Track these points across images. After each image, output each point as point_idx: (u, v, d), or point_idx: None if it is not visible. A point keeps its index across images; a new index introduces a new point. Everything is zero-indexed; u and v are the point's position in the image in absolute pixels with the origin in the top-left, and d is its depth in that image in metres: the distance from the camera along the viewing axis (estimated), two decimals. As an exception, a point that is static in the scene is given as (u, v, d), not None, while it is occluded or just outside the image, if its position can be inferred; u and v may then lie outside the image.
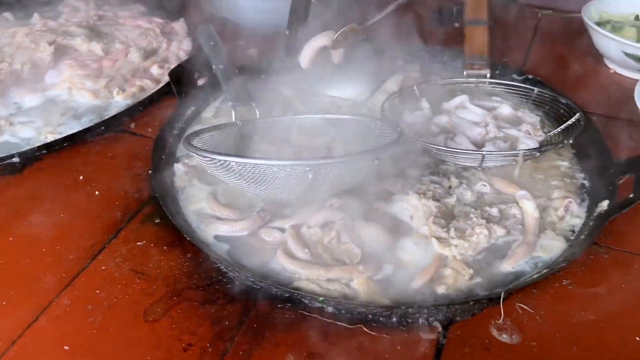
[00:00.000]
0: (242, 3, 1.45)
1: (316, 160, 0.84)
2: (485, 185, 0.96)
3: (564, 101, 1.11)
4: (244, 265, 0.84)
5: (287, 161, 0.84)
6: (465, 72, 1.22)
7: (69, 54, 1.36)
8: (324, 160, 0.84)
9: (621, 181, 0.93)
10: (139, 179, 0.99)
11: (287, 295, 0.77)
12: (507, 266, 0.84)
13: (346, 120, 1.01)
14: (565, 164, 1.02)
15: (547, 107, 1.14)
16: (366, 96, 1.19)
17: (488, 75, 1.21)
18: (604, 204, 0.90)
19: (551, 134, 1.07)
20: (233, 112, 1.08)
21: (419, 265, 0.84)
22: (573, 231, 0.89)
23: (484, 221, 0.87)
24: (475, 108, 1.14)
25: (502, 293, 0.76)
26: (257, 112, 1.08)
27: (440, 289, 0.80)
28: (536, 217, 0.88)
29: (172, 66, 1.25)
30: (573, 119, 1.06)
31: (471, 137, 1.07)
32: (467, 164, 1.00)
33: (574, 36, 1.41)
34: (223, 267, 0.82)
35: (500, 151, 0.98)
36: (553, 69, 1.30)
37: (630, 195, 0.87)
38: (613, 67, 1.30)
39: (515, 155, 0.97)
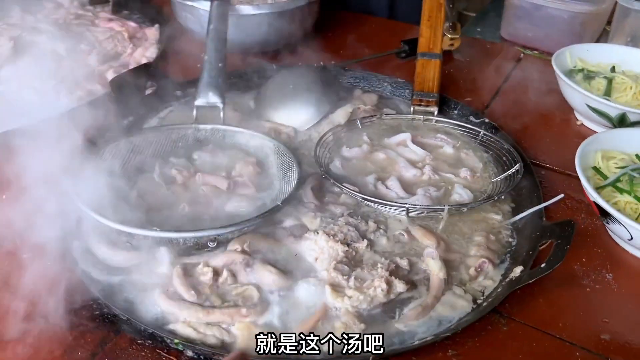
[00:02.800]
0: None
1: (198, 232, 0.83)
2: (403, 235, 0.91)
3: (507, 147, 1.04)
4: (122, 295, 0.80)
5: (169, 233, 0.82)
6: (412, 108, 1.17)
7: (31, 52, 1.35)
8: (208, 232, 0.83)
9: (542, 247, 0.86)
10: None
11: (150, 332, 0.73)
12: (400, 325, 0.78)
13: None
14: (498, 217, 0.96)
15: (492, 152, 1.08)
16: (310, 125, 1.15)
17: (435, 112, 1.16)
18: (517, 270, 0.83)
19: (494, 180, 1.01)
20: (194, 110, 1.06)
21: (310, 313, 0.79)
22: (482, 293, 0.83)
23: (386, 274, 0.81)
24: (416, 148, 1.09)
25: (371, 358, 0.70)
26: (222, 115, 1.06)
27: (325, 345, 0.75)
28: (441, 277, 0.83)
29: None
30: (512, 170, 0.99)
31: (405, 179, 1.02)
32: (392, 213, 0.94)
33: (550, 82, 1.34)
34: (97, 293, 0.78)
35: (425, 206, 0.93)
36: (517, 114, 1.23)
37: (542, 265, 0.80)
38: (581, 119, 1.22)
39: (441, 209, 0.91)
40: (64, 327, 0.74)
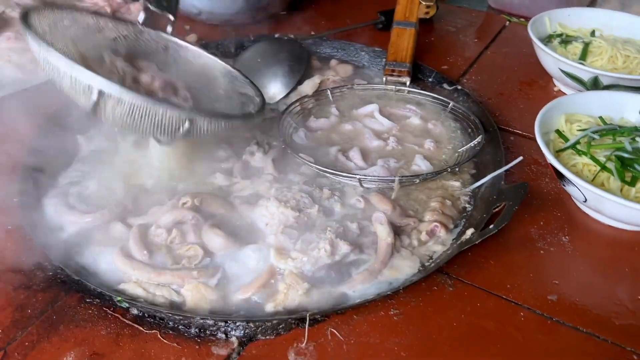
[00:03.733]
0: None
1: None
2: (359, 201, 0.91)
3: (472, 118, 1.03)
4: (74, 257, 0.83)
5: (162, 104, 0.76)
6: (384, 78, 1.16)
7: (13, 27, 1.38)
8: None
9: (496, 209, 0.85)
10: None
11: (98, 290, 0.76)
12: (347, 289, 0.79)
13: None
14: (457, 184, 0.95)
15: (460, 123, 1.07)
16: (280, 97, 1.15)
17: (408, 83, 1.15)
18: (469, 233, 0.83)
19: (459, 151, 1.00)
20: (142, 13, 0.96)
21: (258, 276, 0.80)
22: (431, 257, 0.83)
23: (332, 236, 0.81)
24: (382, 119, 1.08)
25: (307, 315, 0.71)
26: (170, 29, 0.98)
27: (269, 305, 0.76)
28: (389, 242, 0.82)
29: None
30: (474, 142, 0.98)
31: (369, 150, 1.02)
32: (349, 183, 0.94)
33: (533, 49, 1.32)
34: (50, 254, 0.81)
35: (376, 176, 0.92)
36: (494, 81, 1.21)
37: (490, 226, 0.80)
38: (558, 85, 1.20)
39: (392, 180, 0.90)
40: (16, 286, 0.76)
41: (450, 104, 1.09)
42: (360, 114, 1.11)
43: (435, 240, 0.85)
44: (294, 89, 1.15)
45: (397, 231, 0.86)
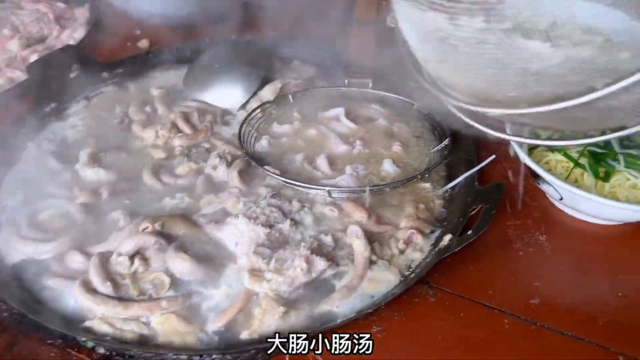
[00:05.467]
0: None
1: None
2: (333, 210, 0.87)
3: (438, 120, 1.01)
4: (31, 293, 0.77)
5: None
6: (346, 80, 1.12)
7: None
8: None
9: (473, 212, 0.84)
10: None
11: (59, 331, 0.70)
12: (327, 307, 0.76)
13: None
14: (427, 186, 0.92)
15: (429, 123, 1.04)
16: (241, 104, 1.10)
17: (370, 84, 1.11)
18: (446, 239, 0.81)
19: (430, 152, 0.98)
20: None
21: (232, 301, 0.76)
22: (410, 266, 0.81)
23: (307, 252, 0.78)
24: (348, 122, 1.05)
25: (288, 340, 0.68)
26: None
27: (245, 333, 0.72)
28: (366, 255, 0.79)
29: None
30: (442, 144, 0.96)
31: (336, 155, 0.99)
32: (318, 194, 0.90)
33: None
34: (3, 293, 0.75)
35: (346, 188, 0.89)
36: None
37: (469, 232, 0.78)
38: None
39: (363, 191, 0.87)
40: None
41: (415, 106, 1.06)
42: (325, 118, 1.07)
43: (413, 247, 0.83)
44: (254, 94, 1.10)
45: (375, 239, 0.84)
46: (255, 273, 0.77)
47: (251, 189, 0.92)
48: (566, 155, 0.84)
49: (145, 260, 0.79)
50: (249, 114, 1.03)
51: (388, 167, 0.95)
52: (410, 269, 0.80)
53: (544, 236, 0.84)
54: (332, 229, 0.85)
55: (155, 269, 0.79)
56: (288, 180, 0.89)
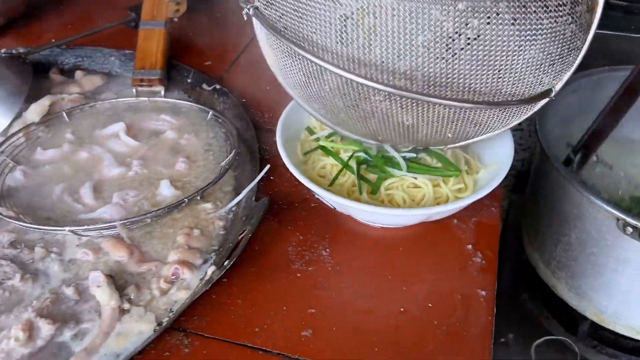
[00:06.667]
0: None
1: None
2: (87, 253, 0.74)
3: (229, 128, 0.90)
4: None
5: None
6: (134, 90, 0.99)
7: None
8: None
9: (243, 235, 0.73)
10: None
11: None
12: (60, 380, 0.63)
13: None
14: (208, 206, 0.81)
15: (223, 132, 0.93)
16: (3, 128, 0.94)
17: (162, 92, 0.99)
18: (209, 271, 0.70)
19: (220, 165, 0.86)
20: None
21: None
22: (171, 310, 0.69)
23: (32, 315, 0.64)
24: (128, 139, 0.91)
25: None
26: None
27: None
28: (113, 306, 0.67)
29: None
30: (230, 156, 0.85)
31: (108, 180, 0.85)
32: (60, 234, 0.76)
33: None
34: None
35: (93, 227, 0.74)
36: (259, 76, 1.07)
37: (225, 262, 0.67)
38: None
39: (114, 227, 0.74)
40: None
41: (210, 113, 0.94)
42: (104, 136, 0.94)
43: (179, 285, 0.71)
44: (18, 116, 0.94)
45: (135, 281, 0.71)
46: (-35, 350, 0.63)
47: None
48: (336, 157, 0.74)
49: None
50: (4, 142, 0.88)
51: (165, 190, 0.83)
52: (171, 313, 0.68)
53: (328, 250, 0.75)
54: (79, 277, 0.71)
55: None
56: (22, 223, 0.74)
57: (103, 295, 0.67)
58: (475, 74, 0.58)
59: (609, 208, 0.81)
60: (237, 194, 0.82)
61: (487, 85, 0.59)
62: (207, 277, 0.69)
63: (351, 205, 0.67)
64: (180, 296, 0.70)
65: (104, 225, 0.74)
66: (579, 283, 0.95)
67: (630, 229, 0.80)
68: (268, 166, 0.79)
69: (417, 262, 0.73)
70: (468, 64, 0.57)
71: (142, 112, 0.99)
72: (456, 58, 0.56)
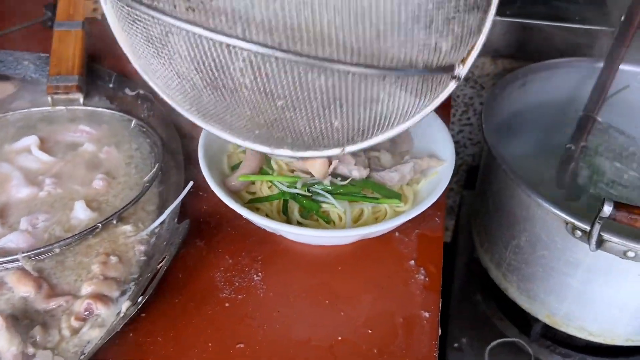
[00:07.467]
0: None
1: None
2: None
3: (159, 143, 0.82)
4: None
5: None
6: (49, 98, 0.90)
7: None
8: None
9: (161, 263, 0.66)
10: None
11: None
12: None
13: None
14: (128, 228, 0.73)
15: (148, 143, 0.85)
16: None
17: (81, 100, 0.90)
18: (124, 307, 0.62)
19: (144, 181, 0.79)
20: None
21: None
22: (84, 353, 0.62)
23: None
24: (41, 154, 0.83)
25: None
26: None
27: None
28: (13, 352, 0.59)
29: None
30: (153, 171, 0.77)
31: (17, 202, 0.76)
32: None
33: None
34: None
35: None
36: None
37: (140, 298, 0.60)
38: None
39: (16, 260, 0.66)
40: None
41: (134, 122, 0.86)
42: (13, 151, 0.84)
43: (93, 322, 0.64)
44: None
45: (43, 319, 0.64)
46: None
47: None
48: (265, 172, 0.68)
49: None
50: None
51: (80, 213, 0.75)
52: (82, 356, 0.61)
53: (260, 274, 0.68)
54: (-22, 320, 0.63)
55: None
56: None
57: (1, 340, 0.59)
58: (349, 25, 0.44)
59: (557, 211, 0.77)
60: (162, 213, 0.75)
61: (367, 42, 0.45)
62: (122, 314, 0.62)
63: (280, 227, 0.61)
64: (94, 335, 0.63)
65: (5, 259, 0.66)
66: (530, 286, 0.92)
67: (579, 232, 0.77)
68: (191, 183, 0.72)
69: (356, 282, 0.68)
70: (339, 13, 0.44)
71: (58, 123, 0.90)
72: (323, 3, 0.43)
